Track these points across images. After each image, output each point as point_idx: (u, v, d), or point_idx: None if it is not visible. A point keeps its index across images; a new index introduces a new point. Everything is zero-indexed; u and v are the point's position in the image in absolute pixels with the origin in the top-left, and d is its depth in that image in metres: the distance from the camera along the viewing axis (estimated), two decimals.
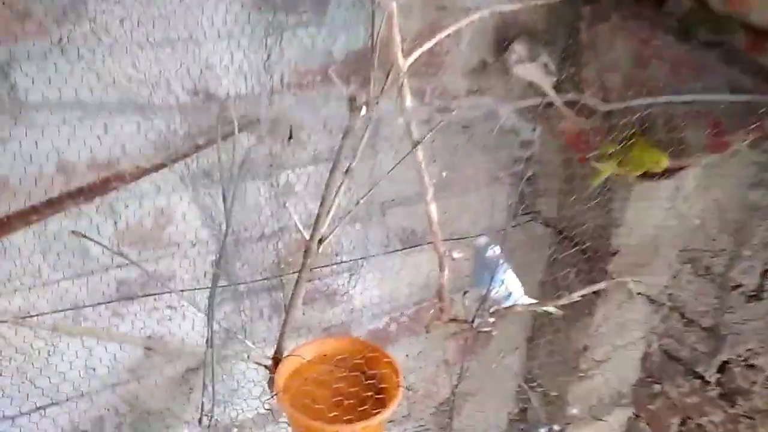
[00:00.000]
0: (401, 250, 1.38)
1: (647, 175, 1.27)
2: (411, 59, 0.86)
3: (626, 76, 1.21)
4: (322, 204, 0.92)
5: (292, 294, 1.02)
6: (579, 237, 1.44)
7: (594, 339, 1.56)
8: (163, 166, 1.02)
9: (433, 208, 1.00)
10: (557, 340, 1.56)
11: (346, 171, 0.99)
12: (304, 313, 1.35)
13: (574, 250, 1.46)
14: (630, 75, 1.21)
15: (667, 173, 1.19)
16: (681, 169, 1.18)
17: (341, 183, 0.97)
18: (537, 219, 1.54)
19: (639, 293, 0.91)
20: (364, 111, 0.81)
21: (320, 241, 0.96)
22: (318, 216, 0.93)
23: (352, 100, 0.80)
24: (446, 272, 1.11)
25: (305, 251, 0.97)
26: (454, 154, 1.38)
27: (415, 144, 0.89)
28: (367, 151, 1.20)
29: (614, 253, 1.46)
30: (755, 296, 1.38)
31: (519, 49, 1.23)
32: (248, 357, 1.09)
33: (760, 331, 1.40)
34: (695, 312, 1.48)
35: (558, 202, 1.51)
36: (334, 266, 1.34)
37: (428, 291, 1.51)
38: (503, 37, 1.29)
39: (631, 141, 1.20)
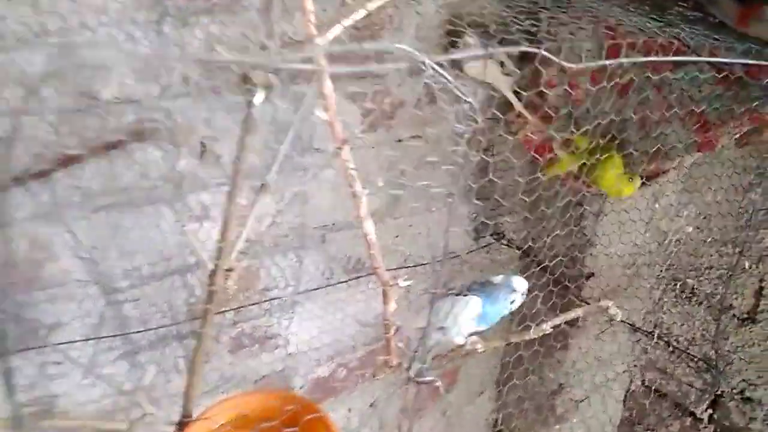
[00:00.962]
0: (345, 281, 1.18)
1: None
2: (330, 36, 0.68)
3: (596, 70, 1.06)
4: (224, 226, 0.72)
5: (197, 341, 0.81)
6: (548, 259, 1.26)
7: (570, 376, 1.38)
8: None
9: (370, 226, 0.80)
10: (529, 380, 1.37)
11: (261, 187, 0.79)
12: (231, 363, 1.13)
13: (543, 273, 1.29)
14: (600, 68, 1.05)
15: (649, 177, 1.02)
16: (662, 174, 1.02)
17: (255, 201, 0.78)
18: (501, 240, 1.36)
19: (619, 320, 0.74)
20: (261, 98, 0.62)
21: (228, 271, 0.76)
22: (222, 239, 0.73)
23: (245, 79, 0.60)
24: (392, 305, 0.91)
25: (209, 286, 0.76)
26: (405, 167, 1.20)
27: (341, 143, 0.70)
28: (291, 164, 1.01)
29: (588, 276, 1.28)
30: (749, 319, 1.22)
31: (470, 44, 1.07)
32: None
33: (757, 359, 1.23)
34: (682, 340, 1.31)
35: (523, 220, 1.33)
36: (265, 304, 1.13)
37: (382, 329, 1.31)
38: (454, 32, 1.13)
39: (602, 155, 1.05)
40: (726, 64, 0.85)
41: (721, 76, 0.85)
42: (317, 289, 1.14)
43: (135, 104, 0.87)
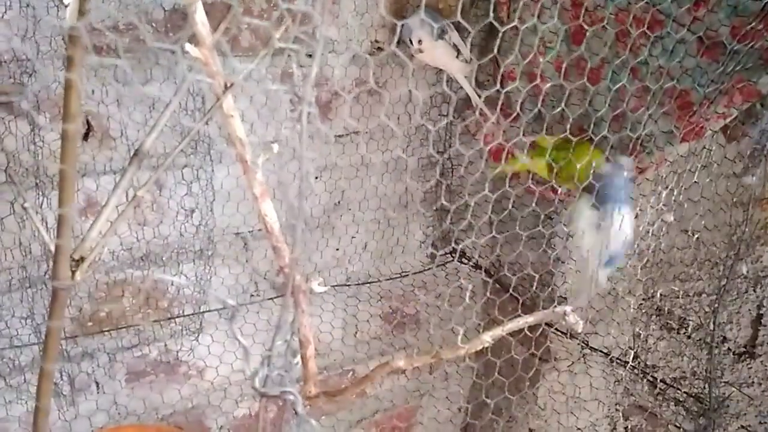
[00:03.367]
0: (273, 298, 1.01)
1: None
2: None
3: (561, 57, 0.92)
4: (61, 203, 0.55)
5: (43, 362, 0.63)
6: (514, 281, 1.10)
7: (541, 420, 1.19)
8: None
9: (269, 207, 0.63)
10: (493, 426, 1.18)
11: (135, 154, 0.63)
12: (128, 394, 0.94)
13: (510, 298, 1.12)
14: (565, 55, 0.91)
15: None
16: (641, 173, 0.87)
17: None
18: (462, 259, 1.20)
19: (580, 330, 0.57)
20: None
21: (78, 262, 0.58)
22: (61, 218, 0.55)
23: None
24: (306, 319, 0.74)
25: (53, 279, 0.58)
26: (346, 168, 1.04)
27: (242, 162, 0.54)
28: (199, 160, 0.85)
29: (561, 300, 1.11)
30: (747, 353, 1.04)
31: (418, 25, 0.93)
32: None
33: (757, 400, 1.05)
34: (670, 378, 1.13)
35: (487, 235, 1.17)
36: (174, 325, 0.95)
37: (325, 355, 1.13)
38: (401, 11, 0.99)
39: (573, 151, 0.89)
40: (710, 28, 0.70)
41: (705, 45, 0.71)
42: (235, 307, 0.96)
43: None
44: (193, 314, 0.91)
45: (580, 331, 0.60)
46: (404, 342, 1.23)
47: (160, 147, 0.82)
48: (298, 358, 0.56)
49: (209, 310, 0.92)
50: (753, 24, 0.65)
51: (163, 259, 0.87)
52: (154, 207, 0.86)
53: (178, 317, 0.95)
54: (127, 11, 0.74)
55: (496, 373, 0.97)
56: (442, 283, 1.17)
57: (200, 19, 0.49)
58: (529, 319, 0.55)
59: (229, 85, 0.53)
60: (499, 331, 0.52)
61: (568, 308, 0.56)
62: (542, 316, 0.57)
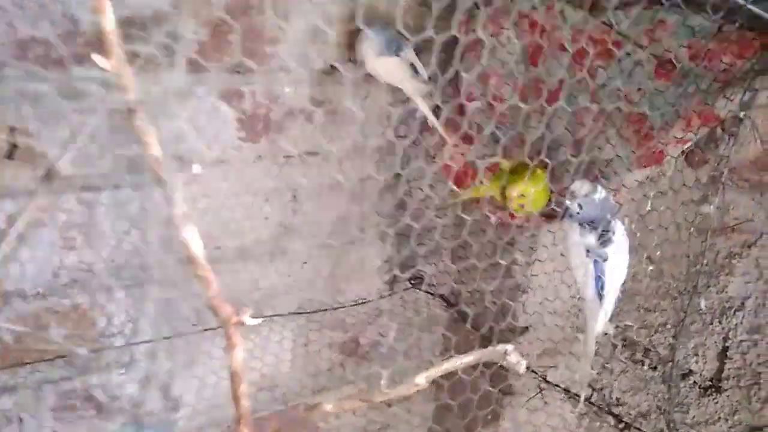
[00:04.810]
0: (215, 328, 0.95)
1: (551, 216, 0.92)
2: None
3: (522, 77, 0.88)
4: None
5: None
6: (474, 309, 1.05)
7: None
8: None
9: (192, 233, 0.58)
10: None
11: (46, 176, 0.58)
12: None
13: (468, 328, 1.07)
14: (527, 75, 0.88)
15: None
16: None
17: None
18: (421, 286, 1.15)
19: (522, 372, 0.53)
20: None
21: None
22: None
23: None
24: (239, 353, 0.68)
25: None
26: (298, 190, 0.99)
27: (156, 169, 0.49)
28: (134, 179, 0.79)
29: (522, 332, 1.07)
30: (713, 387, 1.00)
31: (371, 39, 0.89)
32: None
33: None
34: (634, 413, 1.09)
35: (447, 262, 1.12)
36: (107, 356, 0.89)
37: (277, 390, 1.06)
38: (355, 28, 0.95)
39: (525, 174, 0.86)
40: (668, 50, 0.68)
41: (662, 65, 0.68)
42: (175, 336, 0.90)
43: None
44: (122, 346, 0.85)
45: (521, 373, 0.56)
46: (360, 373, 1.17)
47: (89, 167, 0.77)
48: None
49: (139, 342, 0.86)
50: (709, 46, 0.62)
51: (93, 285, 0.81)
52: (83, 230, 0.80)
53: (107, 349, 0.88)
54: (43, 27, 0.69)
55: (456, 408, 0.92)
56: (401, 312, 1.12)
57: (109, 28, 0.45)
58: (467, 359, 0.50)
59: (137, 103, 0.48)
60: (434, 372, 0.47)
61: (509, 346, 0.51)
62: (480, 355, 0.52)
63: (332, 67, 0.94)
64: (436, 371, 0.49)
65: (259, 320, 0.67)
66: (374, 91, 1.00)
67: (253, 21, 0.86)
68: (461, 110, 0.97)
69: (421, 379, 0.48)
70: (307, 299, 1.06)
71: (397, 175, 1.07)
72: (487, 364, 0.76)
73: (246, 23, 0.86)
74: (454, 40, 0.90)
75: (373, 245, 1.10)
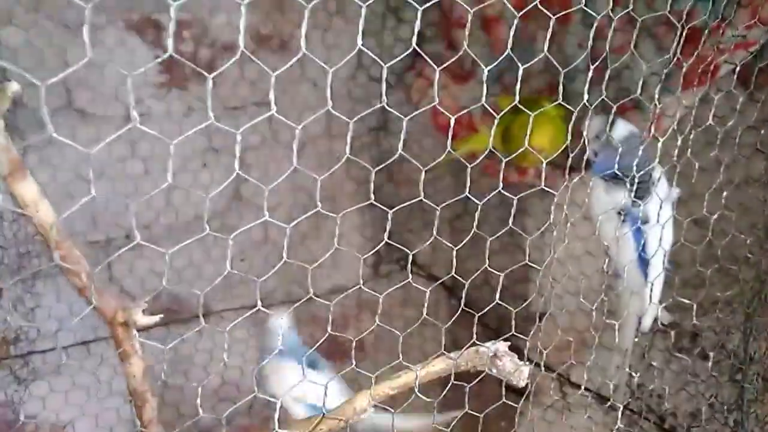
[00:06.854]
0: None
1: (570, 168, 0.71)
2: None
3: None
4: None
5: None
6: (474, 294, 0.84)
7: None
8: None
9: (48, 211, 0.39)
10: None
11: None
12: None
13: (467, 315, 0.86)
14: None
15: None
16: None
17: None
18: (412, 269, 0.94)
19: (523, 383, 0.35)
20: None
21: None
22: None
23: None
24: (138, 364, 0.49)
25: None
26: (250, 155, 0.80)
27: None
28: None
29: (541, 317, 0.86)
30: None
31: None
32: None
33: None
34: (681, 415, 0.88)
35: (440, 240, 0.92)
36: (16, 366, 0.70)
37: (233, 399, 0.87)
38: None
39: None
40: None
41: None
42: (76, 345, 0.71)
43: None
44: (16, 356, 0.66)
45: (521, 384, 0.38)
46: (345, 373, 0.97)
47: None
48: None
49: (37, 351, 0.67)
50: None
51: None
52: None
53: (23, 356, 0.70)
54: None
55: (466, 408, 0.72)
56: (389, 301, 0.92)
57: None
58: (434, 369, 0.32)
59: None
60: (382, 391, 0.29)
61: (500, 345, 0.32)
62: (469, 357, 0.34)
63: None
64: (384, 388, 0.30)
65: (157, 318, 0.48)
66: (338, 21, 0.80)
67: None
68: (451, 42, 0.76)
69: (363, 402, 0.29)
70: (269, 290, 0.86)
71: (374, 129, 0.86)
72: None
73: None
74: None
75: (350, 219, 0.90)
